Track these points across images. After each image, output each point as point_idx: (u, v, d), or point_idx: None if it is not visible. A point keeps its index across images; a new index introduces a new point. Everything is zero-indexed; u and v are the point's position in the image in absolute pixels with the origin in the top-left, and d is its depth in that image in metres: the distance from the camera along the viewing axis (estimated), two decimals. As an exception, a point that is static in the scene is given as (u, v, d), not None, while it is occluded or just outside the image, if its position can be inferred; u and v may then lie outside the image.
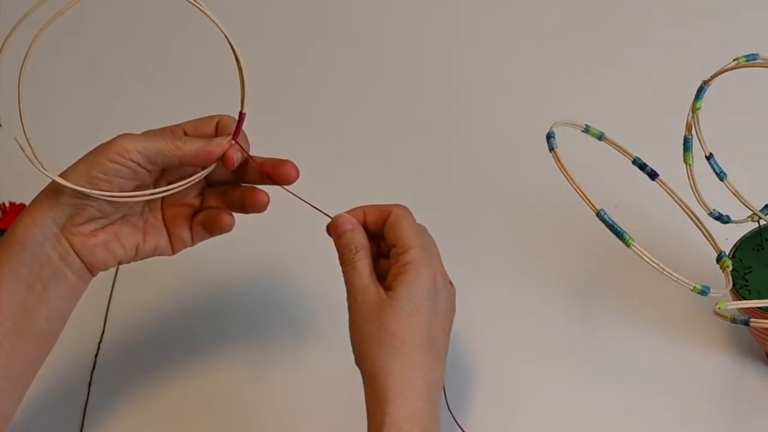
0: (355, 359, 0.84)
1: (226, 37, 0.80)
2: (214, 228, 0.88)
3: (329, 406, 0.96)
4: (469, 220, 1.11)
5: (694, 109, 0.89)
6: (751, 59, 0.86)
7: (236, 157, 0.85)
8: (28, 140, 0.80)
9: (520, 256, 1.07)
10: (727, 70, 0.86)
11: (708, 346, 0.96)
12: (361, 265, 0.85)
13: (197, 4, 0.80)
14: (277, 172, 0.86)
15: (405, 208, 0.87)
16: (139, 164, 0.83)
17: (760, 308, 0.88)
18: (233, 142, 0.85)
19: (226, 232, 0.88)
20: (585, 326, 1.00)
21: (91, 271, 0.86)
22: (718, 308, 0.85)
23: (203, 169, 0.86)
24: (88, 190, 0.82)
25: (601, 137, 0.92)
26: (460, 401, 0.95)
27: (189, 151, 0.84)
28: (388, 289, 0.84)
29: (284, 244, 1.01)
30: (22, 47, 0.75)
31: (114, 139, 0.83)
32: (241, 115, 0.84)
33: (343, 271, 0.86)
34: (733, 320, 0.83)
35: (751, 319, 0.83)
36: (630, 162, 0.94)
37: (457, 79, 1.28)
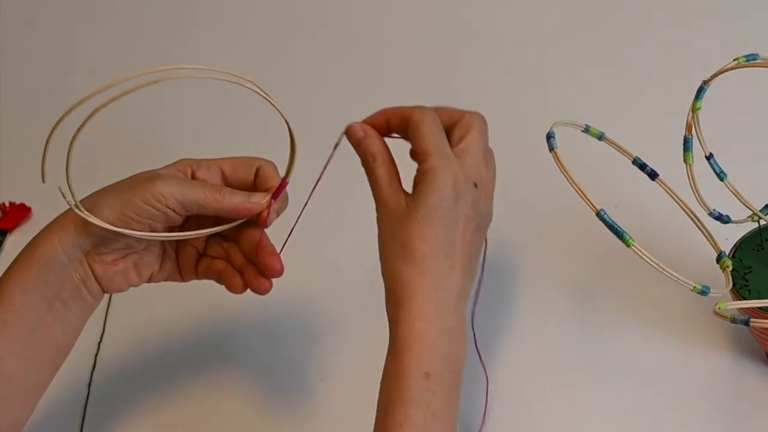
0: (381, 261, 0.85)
1: (285, 120, 0.81)
2: (221, 282, 0.89)
3: (329, 406, 0.96)
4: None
5: (694, 109, 0.89)
6: (751, 59, 0.86)
7: (272, 218, 0.86)
8: (70, 188, 0.81)
9: (519, 256, 1.07)
10: (727, 70, 0.86)
11: (708, 346, 0.96)
12: (379, 173, 0.86)
13: (258, 90, 0.80)
14: (265, 262, 0.86)
15: (425, 110, 0.87)
16: (174, 210, 0.83)
17: (760, 308, 0.88)
18: (272, 201, 0.85)
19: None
20: (585, 326, 1.00)
21: (106, 292, 0.87)
22: (718, 308, 0.85)
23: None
24: (121, 231, 0.82)
25: (601, 137, 0.92)
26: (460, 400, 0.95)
27: (227, 206, 0.84)
28: (412, 196, 0.84)
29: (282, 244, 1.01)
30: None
31: (153, 181, 0.83)
32: (284, 182, 0.85)
33: (369, 180, 0.86)
34: (733, 320, 0.83)
35: (751, 319, 0.83)
36: (630, 162, 0.94)
37: (457, 79, 1.29)
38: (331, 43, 1.36)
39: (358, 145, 0.87)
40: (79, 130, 0.76)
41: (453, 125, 0.88)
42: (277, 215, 0.87)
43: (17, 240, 1.16)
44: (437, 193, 0.83)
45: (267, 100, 0.80)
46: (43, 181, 0.80)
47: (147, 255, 0.87)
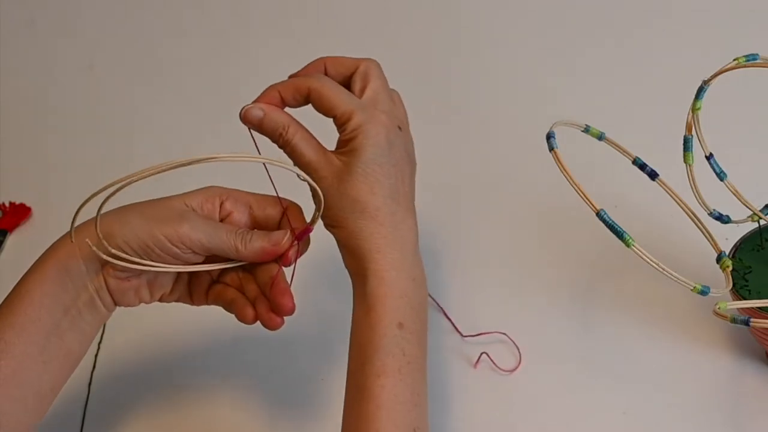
0: (327, 226, 0.85)
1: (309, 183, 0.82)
2: (230, 311, 0.88)
3: (330, 407, 0.96)
4: (468, 219, 1.12)
5: (694, 109, 0.89)
6: (751, 59, 0.86)
7: (293, 257, 0.86)
8: (100, 236, 0.80)
9: (519, 255, 1.07)
10: (727, 70, 0.86)
11: (708, 346, 0.96)
12: (297, 139, 0.84)
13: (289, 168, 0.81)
14: (278, 300, 0.85)
15: (320, 76, 0.86)
16: (196, 253, 0.83)
17: (760, 308, 0.88)
18: (296, 243, 0.85)
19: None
20: (584, 326, 1.00)
21: (117, 305, 0.87)
22: (718, 308, 0.85)
23: None
24: (142, 267, 0.82)
25: (601, 137, 0.92)
26: (459, 400, 0.95)
27: (249, 254, 0.84)
28: (341, 156, 0.84)
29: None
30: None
31: (181, 222, 0.82)
32: (308, 228, 0.85)
33: (289, 155, 0.85)
34: (733, 320, 0.83)
35: (751, 319, 0.83)
36: (630, 162, 0.94)
37: (457, 79, 1.29)
38: (330, 43, 1.36)
39: (261, 124, 0.84)
40: (107, 198, 0.75)
41: (349, 76, 0.88)
42: (299, 256, 0.86)
43: (17, 240, 1.16)
44: (373, 146, 0.83)
45: (297, 174, 0.81)
46: (72, 240, 0.81)
47: (161, 276, 0.87)
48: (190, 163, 0.73)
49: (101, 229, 0.81)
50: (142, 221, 0.82)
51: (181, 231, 0.82)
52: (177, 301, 0.89)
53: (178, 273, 0.87)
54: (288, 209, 0.86)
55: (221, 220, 0.86)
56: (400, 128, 0.86)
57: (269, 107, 0.84)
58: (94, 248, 0.81)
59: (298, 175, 0.81)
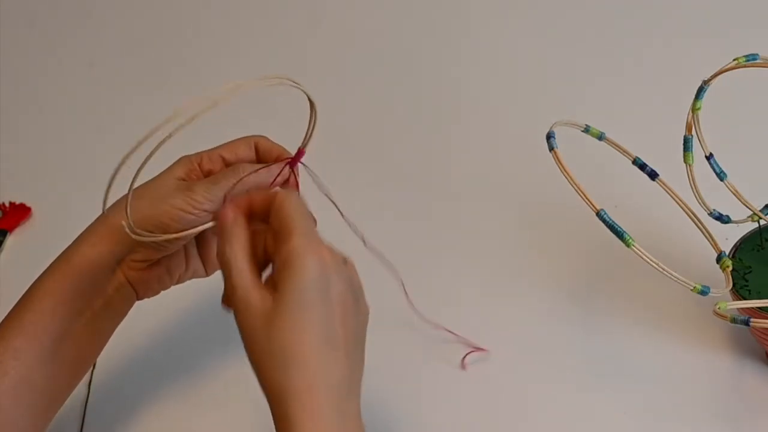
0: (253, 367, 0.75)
1: (307, 95, 0.81)
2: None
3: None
4: (468, 219, 1.12)
5: (694, 109, 0.89)
6: (751, 59, 0.86)
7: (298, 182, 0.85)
8: (129, 217, 0.80)
9: (519, 255, 1.07)
10: (727, 70, 0.86)
11: (708, 346, 0.96)
12: (238, 271, 0.74)
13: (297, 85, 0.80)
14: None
15: (289, 191, 0.82)
16: (207, 210, 0.84)
17: (760, 308, 0.88)
18: (295, 170, 0.86)
19: None
20: (584, 326, 1.00)
21: (140, 298, 0.87)
22: (718, 308, 0.85)
23: None
24: (172, 236, 0.82)
25: (601, 137, 0.92)
26: (459, 400, 0.95)
27: (255, 183, 0.84)
28: (274, 286, 0.73)
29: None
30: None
31: (181, 191, 0.83)
32: (301, 151, 0.85)
33: (222, 267, 0.76)
34: (733, 320, 0.83)
35: (751, 319, 0.83)
36: (630, 162, 0.94)
37: (457, 80, 1.29)
38: (329, 43, 1.36)
39: (223, 229, 0.75)
40: (143, 165, 0.74)
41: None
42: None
43: (17, 240, 1.16)
44: (309, 277, 0.72)
45: (305, 92, 0.80)
46: (103, 211, 0.81)
47: (176, 257, 0.87)
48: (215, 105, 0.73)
49: (113, 223, 0.82)
50: (147, 203, 0.83)
51: (188, 197, 0.83)
52: (192, 277, 0.90)
53: (187, 248, 0.88)
54: (258, 144, 0.87)
55: None
56: (345, 260, 0.75)
57: (241, 220, 0.76)
58: (136, 234, 0.81)
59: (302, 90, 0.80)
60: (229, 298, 0.74)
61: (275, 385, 0.72)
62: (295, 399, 0.71)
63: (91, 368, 1.00)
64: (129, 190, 0.78)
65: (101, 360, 1.01)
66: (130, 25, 1.43)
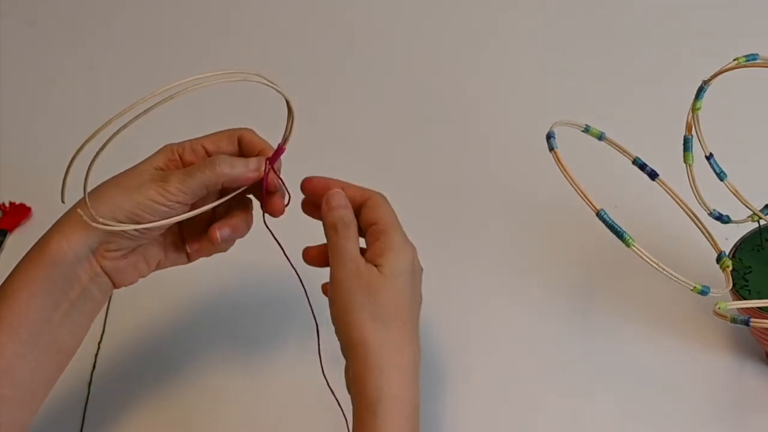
0: (339, 329, 0.84)
1: (283, 96, 0.82)
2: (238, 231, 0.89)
3: (332, 407, 0.95)
4: (468, 219, 1.12)
5: (694, 109, 0.89)
6: (751, 59, 0.86)
7: (276, 183, 0.87)
8: (87, 203, 0.81)
9: (519, 255, 1.07)
10: (727, 70, 0.86)
11: (708, 346, 0.96)
12: (353, 236, 0.86)
13: (270, 83, 0.81)
14: (271, 201, 0.87)
15: (384, 196, 0.88)
16: (182, 203, 0.84)
17: (760, 308, 0.88)
18: (270, 166, 0.86)
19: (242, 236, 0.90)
20: (584, 326, 1.00)
21: (117, 287, 0.87)
22: (718, 308, 0.85)
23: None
24: (142, 226, 0.83)
25: (601, 137, 0.92)
26: (458, 400, 0.95)
27: (232, 175, 0.85)
28: (371, 263, 0.84)
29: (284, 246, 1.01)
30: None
31: (156, 181, 0.84)
32: (280, 148, 0.86)
33: (335, 243, 0.85)
34: (733, 320, 0.83)
35: (751, 319, 0.83)
36: (630, 162, 0.94)
37: (458, 80, 1.29)
38: (330, 43, 1.36)
39: (335, 211, 0.87)
40: (98, 153, 0.77)
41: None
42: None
43: (17, 240, 1.16)
44: (406, 263, 0.85)
45: (275, 89, 0.81)
46: (63, 201, 0.81)
47: (152, 245, 0.88)
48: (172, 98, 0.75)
49: (86, 211, 0.82)
50: (122, 192, 0.83)
51: (160, 188, 0.83)
52: (171, 265, 0.90)
53: (167, 234, 0.88)
54: (242, 137, 0.87)
55: None
56: (422, 269, 0.87)
57: (347, 203, 0.87)
58: (97, 223, 0.81)
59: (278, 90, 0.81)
60: (332, 283, 0.85)
61: (370, 338, 0.82)
62: (390, 353, 0.82)
63: (92, 368, 1.00)
64: (85, 181, 0.79)
65: (101, 360, 1.01)
66: (130, 28, 1.43)
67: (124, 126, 0.77)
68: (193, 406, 0.98)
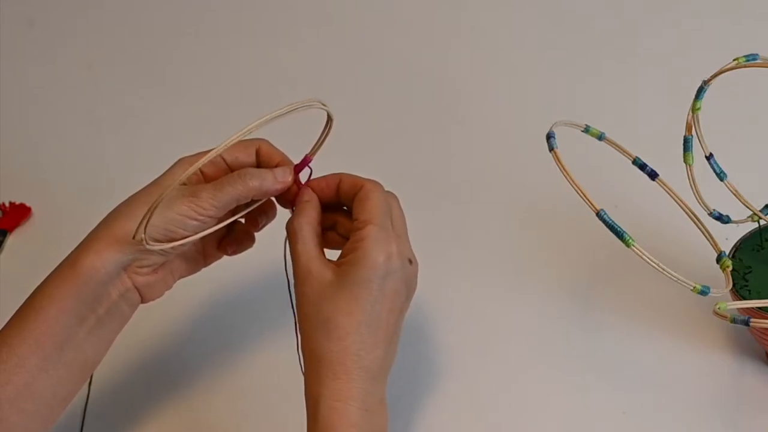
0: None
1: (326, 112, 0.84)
2: (244, 244, 0.91)
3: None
4: (468, 219, 1.12)
5: (694, 109, 0.89)
6: (751, 59, 0.86)
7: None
8: (145, 231, 0.81)
9: (519, 255, 1.07)
10: (727, 70, 0.86)
11: (708, 346, 0.96)
12: (304, 243, 0.83)
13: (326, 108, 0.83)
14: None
15: (377, 183, 0.86)
16: (212, 217, 0.84)
17: (760, 308, 0.88)
18: (298, 178, 0.87)
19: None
20: (584, 326, 1.00)
21: (145, 301, 0.88)
22: (718, 308, 0.85)
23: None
24: (180, 244, 0.83)
25: (601, 137, 0.92)
26: (459, 400, 0.95)
27: (262, 191, 0.85)
28: (339, 265, 0.82)
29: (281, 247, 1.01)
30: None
31: (184, 197, 0.83)
32: (307, 158, 0.86)
33: (291, 246, 0.84)
34: (733, 320, 0.83)
35: (751, 319, 0.83)
36: (630, 162, 0.94)
37: (458, 80, 1.29)
38: (330, 44, 1.36)
39: (297, 204, 0.86)
40: (165, 192, 0.79)
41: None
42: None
43: (17, 240, 1.16)
44: (371, 267, 0.81)
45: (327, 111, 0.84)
46: (133, 238, 0.81)
47: (179, 259, 0.88)
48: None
49: (118, 230, 0.82)
50: (155, 213, 0.82)
51: (193, 203, 0.83)
52: (191, 273, 0.90)
53: (189, 247, 0.88)
54: (260, 148, 0.87)
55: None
56: (410, 261, 0.84)
57: (315, 199, 0.86)
58: (148, 245, 0.81)
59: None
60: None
61: (314, 348, 0.80)
62: (328, 365, 0.80)
63: (92, 368, 1.00)
64: (149, 211, 0.79)
65: (102, 360, 1.01)
66: (129, 28, 1.43)
67: (200, 164, 0.79)
68: (195, 405, 0.98)
